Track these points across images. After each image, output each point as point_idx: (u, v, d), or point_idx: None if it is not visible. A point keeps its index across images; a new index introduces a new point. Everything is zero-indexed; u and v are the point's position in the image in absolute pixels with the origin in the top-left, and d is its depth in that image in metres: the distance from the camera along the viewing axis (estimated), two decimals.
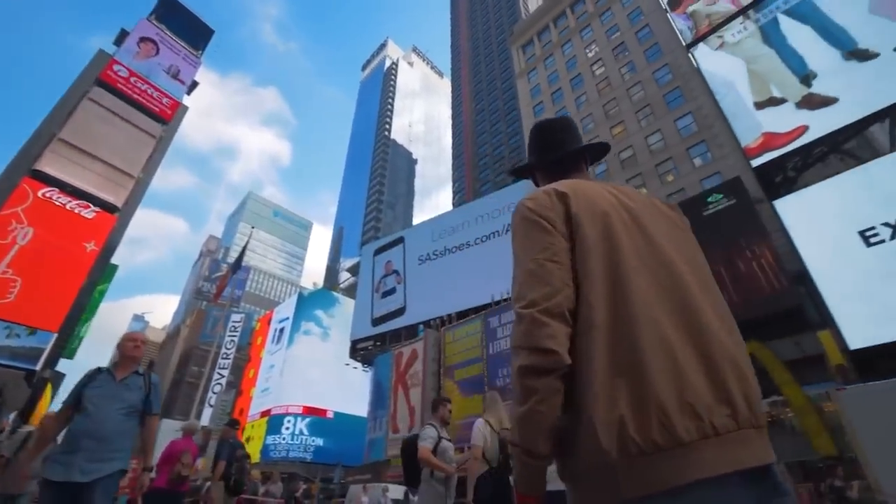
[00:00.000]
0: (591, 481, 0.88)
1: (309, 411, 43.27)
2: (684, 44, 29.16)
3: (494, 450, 3.81)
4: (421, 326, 34.68)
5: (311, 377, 44.41)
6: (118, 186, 23.44)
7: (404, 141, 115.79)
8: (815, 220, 17.05)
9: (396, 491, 13.39)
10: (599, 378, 0.89)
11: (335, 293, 59.97)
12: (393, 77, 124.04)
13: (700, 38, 27.96)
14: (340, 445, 38.52)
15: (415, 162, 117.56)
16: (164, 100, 25.91)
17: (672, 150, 26.62)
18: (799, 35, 22.40)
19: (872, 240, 14.59)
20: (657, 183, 26.34)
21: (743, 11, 26.32)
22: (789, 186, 20.19)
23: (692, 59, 27.86)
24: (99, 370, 3.46)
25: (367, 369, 39.98)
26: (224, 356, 43.37)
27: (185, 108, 26.51)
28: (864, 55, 19.92)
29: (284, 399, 43.42)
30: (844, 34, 20.88)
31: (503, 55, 66.91)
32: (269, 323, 54.46)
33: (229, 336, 46.57)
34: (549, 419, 0.89)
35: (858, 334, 12.93)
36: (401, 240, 42.80)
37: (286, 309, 52.99)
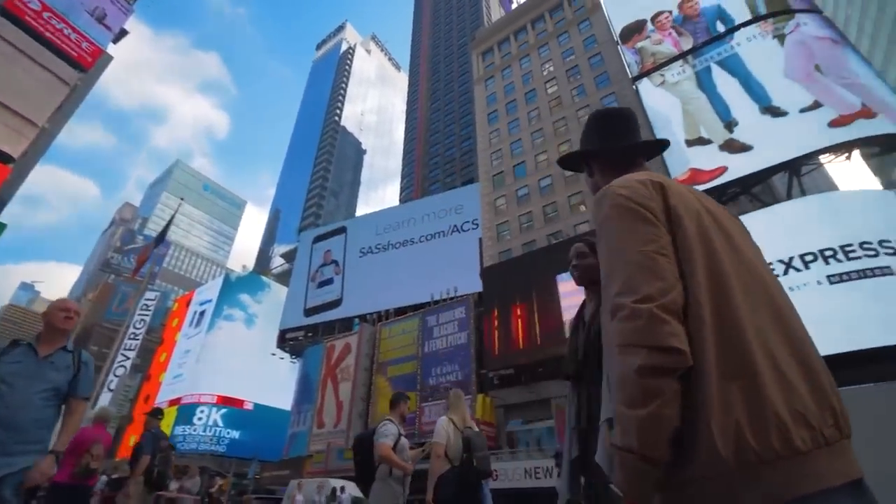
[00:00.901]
0: (702, 490, 0.82)
1: (225, 401, 40.71)
2: (630, 76, 31.49)
3: (457, 448, 3.73)
4: (356, 320, 34.10)
5: (231, 365, 41.80)
6: (16, 134, 20.42)
7: (354, 129, 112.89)
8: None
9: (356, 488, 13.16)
10: (711, 381, 0.85)
11: (266, 278, 57.00)
12: (349, 62, 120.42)
13: (644, 74, 30.33)
14: (258, 439, 36.72)
15: (364, 152, 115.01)
16: (84, 44, 22.98)
17: None
18: (727, 85, 25.04)
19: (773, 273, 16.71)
20: None
21: (683, 56, 28.94)
22: None
23: (636, 91, 30.15)
24: (16, 343, 2.88)
25: (294, 360, 38.50)
26: (132, 336, 39.50)
27: (109, 58, 23.72)
28: (776, 111, 22.76)
29: (199, 387, 40.49)
30: (762, 90, 23.71)
31: (463, 58, 67.68)
32: (188, 304, 50.51)
33: (140, 315, 42.47)
34: (673, 423, 0.83)
35: None
36: (343, 230, 41.76)
37: (209, 291, 49.46)
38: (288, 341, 38.22)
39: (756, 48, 25.51)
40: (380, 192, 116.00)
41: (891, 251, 16.01)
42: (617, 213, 1.03)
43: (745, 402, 0.83)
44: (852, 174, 22.19)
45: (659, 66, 29.76)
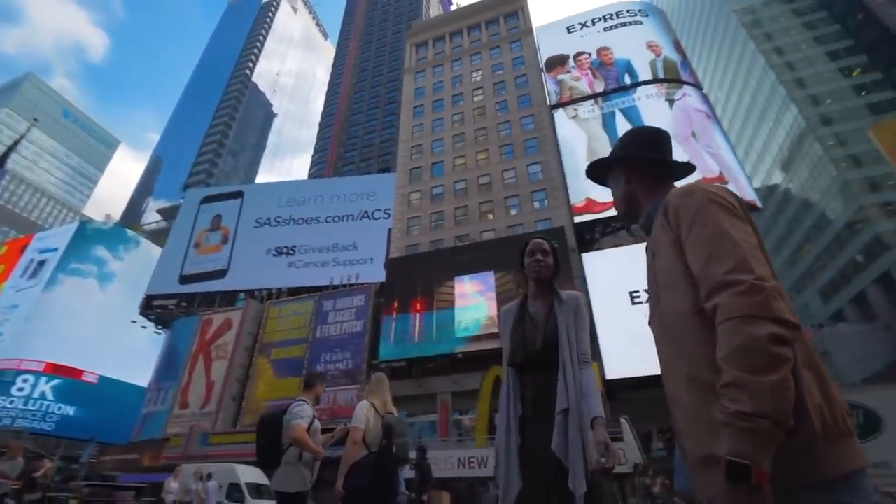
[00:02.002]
0: (788, 458, 0.91)
1: (57, 370, 34.68)
2: (549, 103, 34.15)
3: (377, 434, 3.56)
4: (242, 295, 31.55)
5: (74, 330, 35.75)
6: None
7: (267, 88, 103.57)
8: (603, 275, 21.94)
9: (252, 474, 11.74)
10: (799, 367, 0.95)
11: (134, 233, 49.67)
12: (271, 13, 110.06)
13: (561, 104, 33.17)
14: (100, 417, 31.84)
15: (274, 115, 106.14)
16: None
17: (520, 189, 30.70)
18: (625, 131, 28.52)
19: (636, 300, 19.65)
20: (503, 213, 30.01)
21: (594, 97, 32.31)
22: (592, 245, 25.54)
23: (552, 118, 32.80)
24: None
25: (160, 331, 34.21)
26: None
27: None
28: None
29: (23, 351, 33.92)
30: None
31: (396, 45, 66.49)
32: (21, 250, 41.83)
33: None
34: (793, 391, 0.88)
35: (614, 368, 17.32)
36: (239, 194, 38.23)
37: (55, 238, 41.58)
38: (155, 309, 33.77)
39: (651, 105, 29.53)
40: (286, 162, 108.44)
41: None
42: (716, 206, 1.09)
43: (819, 387, 0.96)
44: None
45: (574, 101, 32.77)
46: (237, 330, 26.46)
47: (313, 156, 64.20)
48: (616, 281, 20.72)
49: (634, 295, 19.93)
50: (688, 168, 1.46)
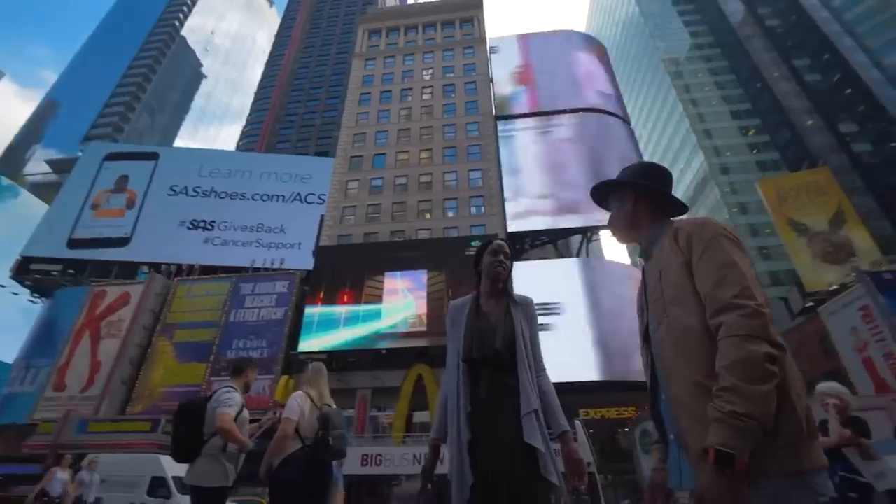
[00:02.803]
0: (779, 454, 1.10)
1: None
2: (494, 114, 35.23)
3: (311, 426, 3.37)
4: (146, 268, 28.42)
5: None
6: None
7: (198, 46, 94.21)
8: (526, 285, 23.09)
9: (179, 466, 10.00)
10: (787, 377, 1.15)
11: (11, 182, 42.57)
12: None
13: (505, 117, 34.42)
14: None
15: (203, 76, 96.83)
16: None
17: (459, 193, 31.28)
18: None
19: (552, 311, 20.97)
20: (440, 213, 30.34)
21: (532, 115, 33.96)
22: (521, 256, 26.77)
23: (496, 129, 33.86)
24: None
25: (37, 300, 29.63)
26: None
27: None
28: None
29: None
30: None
31: (348, 25, 64.22)
32: None
33: None
34: (776, 400, 1.09)
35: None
36: (154, 156, 34.48)
37: None
38: (32, 273, 29.14)
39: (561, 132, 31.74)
40: (212, 130, 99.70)
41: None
42: (725, 239, 1.28)
43: (802, 396, 1.18)
44: (620, 248, 29.49)
45: (518, 116, 34.14)
46: (136, 306, 23.76)
47: (245, 127, 59.67)
48: (537, 292, 21.87)
49: (550, 306, 21.32)
50: (684, 208, 1.62)
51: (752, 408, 1.05)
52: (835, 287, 21.63)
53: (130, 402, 20.95)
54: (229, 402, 3.41)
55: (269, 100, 59.81)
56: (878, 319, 17.07)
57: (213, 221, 30.72)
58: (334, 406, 3.76)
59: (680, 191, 48.94)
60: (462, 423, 1.88)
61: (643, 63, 60.30)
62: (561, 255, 27.51)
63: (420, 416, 20.29)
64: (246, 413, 3.63)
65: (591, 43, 38.48)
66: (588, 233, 27.31)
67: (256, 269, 26.71)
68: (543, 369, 2.08)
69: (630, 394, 19.98)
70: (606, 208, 1.77)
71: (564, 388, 18.18)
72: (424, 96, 38.31)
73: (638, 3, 62.21)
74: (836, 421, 4.07)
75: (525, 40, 38.97)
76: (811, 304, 23.08)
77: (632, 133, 33.40)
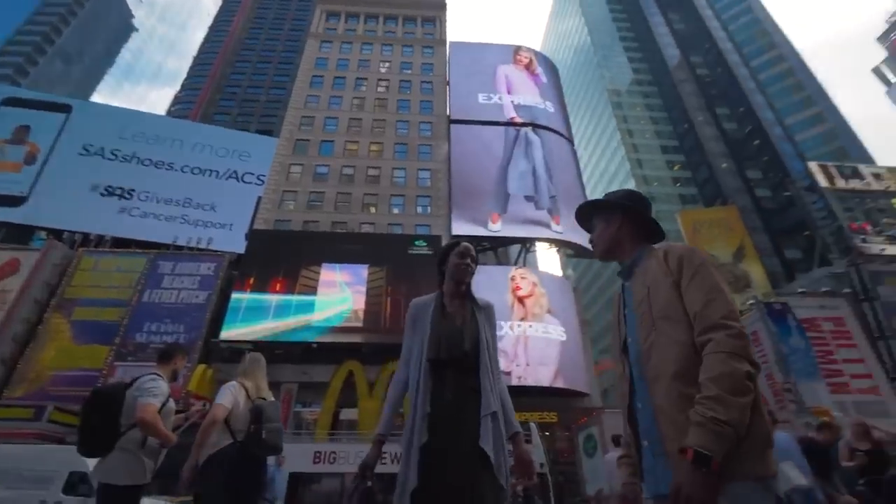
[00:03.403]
0: (747, 457, 1.22)
1: None
2: (449, 117, 35.50)
3: (244, 419, 3.13)
4: (44, 233, 25.01)
5: None
6: None
7: None
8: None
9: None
10: (758, 394, 1.27)
11: None
12: None
13: (461, 121, 34.81)
14: None
15: (133, 28, 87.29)
16: None
17: (407, 191, 31.10)
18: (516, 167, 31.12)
19: None
20: (386, 209, 29.94)
21: (489, 123, 34.69)
22: None
23: (449, 132, 34.12)
24: None
25: None
26: None
27: None
28: (530, 198, 29.87)
29: None
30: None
31: (305, 2, 61.42)
32: None
33: None
34: (749, 413, 1.23)
35: None
36: (66, 108, 30.60)
37: None
38: None
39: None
40: (139, 90, 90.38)
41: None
42: (711, 266, 1.44)
43: (766, 412, 1.34)
44: (554, 261, 31.00)
45: (472, 122, 34.66)
46: (27, 275, 20.79)
47: (179, 92, 54.70)
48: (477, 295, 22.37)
49: None
50: (662, 235, 1.76)
51: (731, 416, 1.18)
52: None
53: (9, 385, 18.26)
54: (154, 390, 3.07)
55: (211, 67, 55.42)
56: (764, 343, 19.56)
57: (133, 190, 27.80)
58: (272, 399, 3.51)
59: None
60: (418, 425, 1.86)
61: (590, 89, 64.12)
62: (500, 263, 28.36)
63: (347, 414, 19.83)
64: (172, 404, 3.31)
65: (544, 61, 40.01)
66: (527, 243, 28.39)
67: (179, 248, 24.56)
68: (500, 373, 2.12)
69: (549, 399, 21.09)
70: (587, 227, 1.86)
71: None
72: (379, 88, 37.67)
73: (590, 34, 66.12)
74: None
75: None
76: None
77: (574, 152, 35.27)
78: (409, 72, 39.23)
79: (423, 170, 32.68)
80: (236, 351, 19.72)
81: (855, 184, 28.98)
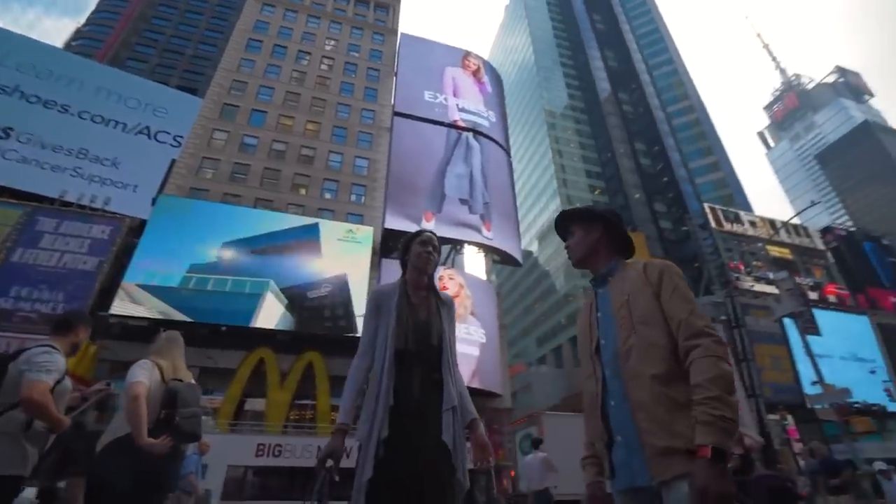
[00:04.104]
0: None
1: None
2: (394, 108, 34.92)
3: (154, 403, 2.77)
4: None
5: None
6: None
7: None
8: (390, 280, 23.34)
9: None
10: None
11: None
12: None
13: (405, 115, 34.41)
14: None
15: None
16: None
17: (342, 177, 29.98)
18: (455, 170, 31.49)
19: None
20: (317, 193, 28.57)
21: (433, 122, 34.78)
22: (390, 254, 26.87)
23: (392, 124, 33.56)
24: None
25: None
26: None
27: None
28: (464, 202, 30.46)
29: None
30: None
31: None
32: None
33: None
34: None
35: None
36: None
37: None
38: None
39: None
40: (30, 15, 76.56)
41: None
42: (684, 281, 1.60)
43: None
44: (480, 265, 31.84)
45: (416, 118, 34.47)
46: None
47: (84, 27, 47.15)
48: None
49: None
50: (631, 251, 1.88)
51: (734, 414, 1.30)
52: None
53: None
54: (48, 365, 2.55)
55: (127, 4, 48.62)
56: None
57: (11, 129, 23.47)
58: (193, 381, 3.15)
59: (537, 226, 55.50)
60: (380, 416, 1.81)
61: (529, 105, 67.18)
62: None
63: (253, 404, 18.56)
64: (68, 382, 2.78)
65: (491, 70, 41.07)
66: (457, 245, 28.88)
67: (67, 204, 21.21)
68: (457, 366, 2.14)
69: None
70: (562, 234, 1.96)
71: None
72: (323, 66, 35.98)
73: (535, 54, 69.29)
74: None
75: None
76: None
77: (510, 164, 36.66)
78: (357, 55, 37.99)
79: (362, 158, 31.84)
80: (130, 329, 17.56)
81: (736, 227, 33.74)
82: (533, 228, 56.65)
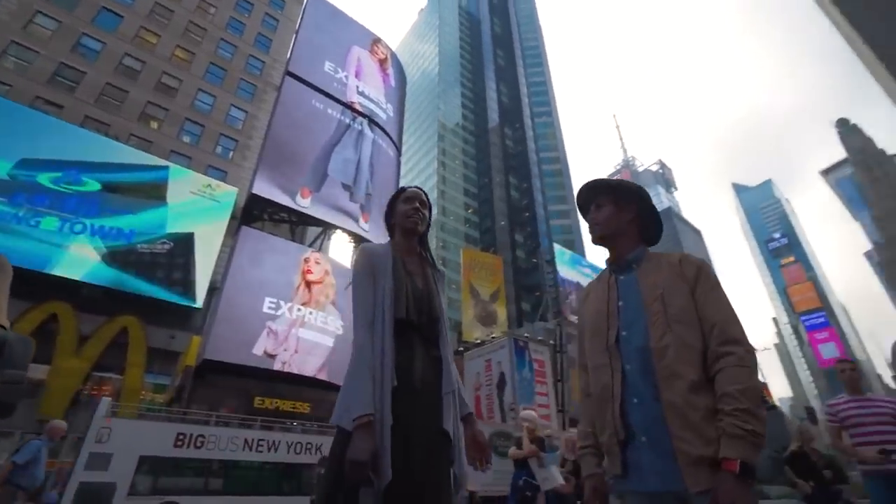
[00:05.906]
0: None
1: None
2: (287, 67, 31.66)
3: None
4: None
5: None
6: None
7: None
8: (249, 254, 20.82)
9: None
10: None
11: None
12: None
13: (299, 78, 31.42)
14: None
15: None
16: None
17: (209, 123, 25.74)
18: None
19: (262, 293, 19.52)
20: (174, 132, 23.86)
21: (331, 98, 32.62)
22: (254, 223, 24.00)
23: (282, 81, 30.29)
24: None
25: None
26: None
27: None
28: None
29: None
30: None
31: None
32: None
33: None
34: None
35: (220, 352, 15.83)
36: None
37: None
38: None
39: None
40: None
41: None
42: (720, 281, 1.53)
43: None
44: (347, 255, 30.61)
45: (312, 86, 31.86)
46: None
47: None
48: (255, 265, 20.08)
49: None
50: (656, 243, 1.76)
51: (763, 429, 1.26)
52: (479, 341, 29.21)
53: None
54: None
55: None
56: (493, 370, 24.04)
57: None
58: (11, 332, 2.24)
59: None
60: (384, 401, 1.47)
61: (425, 113, 68.43)
62: (293, 240, 26.32)
63: (34, 371, 14.24)
64: None
65: (397, 65, 40.72)
66: (328, 229, 27.36)
67: None
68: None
69: (306, 390, 20.36)
70: (585, 207, 1.81)
71: (240, 371, 16.76)
72: None
73: (440, 65, 71.18)
74: (528, 439, 5.40)
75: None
76: (461, 348, 30.13)
77: (399, 162, 36.53)
78: None
79: (238, 108, 28.11)
80: None
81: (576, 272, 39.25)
82: None
